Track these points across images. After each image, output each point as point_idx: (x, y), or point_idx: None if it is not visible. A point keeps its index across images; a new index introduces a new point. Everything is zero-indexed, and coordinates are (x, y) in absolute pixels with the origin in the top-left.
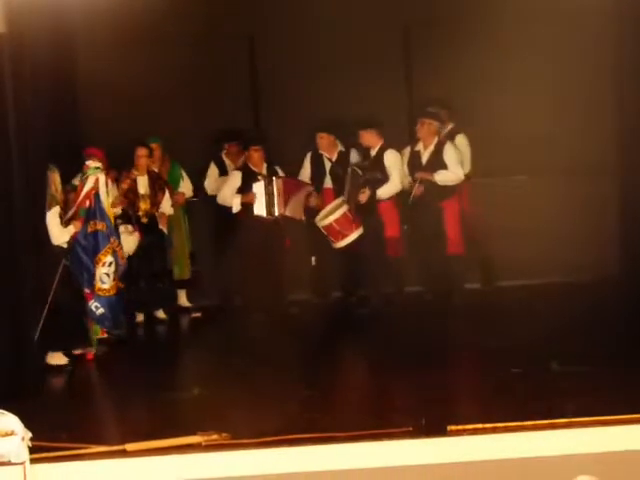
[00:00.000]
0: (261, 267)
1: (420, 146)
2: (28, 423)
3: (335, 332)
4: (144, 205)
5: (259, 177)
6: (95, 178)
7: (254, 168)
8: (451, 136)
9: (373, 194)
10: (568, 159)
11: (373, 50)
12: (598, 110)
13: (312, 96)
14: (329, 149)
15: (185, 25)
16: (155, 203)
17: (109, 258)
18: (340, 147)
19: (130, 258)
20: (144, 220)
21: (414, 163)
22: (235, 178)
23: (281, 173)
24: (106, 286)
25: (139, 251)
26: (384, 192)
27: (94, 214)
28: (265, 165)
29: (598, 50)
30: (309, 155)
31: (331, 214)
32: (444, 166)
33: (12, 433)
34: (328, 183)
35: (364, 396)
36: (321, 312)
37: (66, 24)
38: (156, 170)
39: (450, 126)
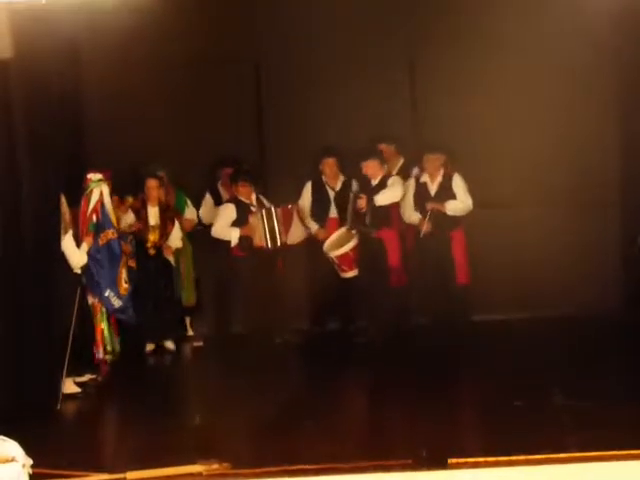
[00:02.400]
0: (260, 296)
1: (426, 178)
2: (29, 450)
3: (336, 362)
4: (153, 237)
5: (252, 208)
6: (99, 190)
7: (245, 200)
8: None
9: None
10: (571, 191)
11: (379, 79)
12: (601, 143)
13: (317, 124)
14: (334, 177)
15: (190, 52)
16: (164, 234)
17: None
18: (342, 177)
19: (137, 286)
20: (152, 252)
21: (422, 195)
22: (229, 211)
23: (266, 203)
24: (127, 285)
25: (146, 279)
26: (383, 198)
27: (103, 226)
28: (254, 196)
29: (601, 80)
30: (309, 184)
31: (346, 242)
32: (453, 196)
33: (13, 459)
34: (333, 213)
35: (365, 427)
36: (322, 341)
37: (73, 49)
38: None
39: (401, 161)
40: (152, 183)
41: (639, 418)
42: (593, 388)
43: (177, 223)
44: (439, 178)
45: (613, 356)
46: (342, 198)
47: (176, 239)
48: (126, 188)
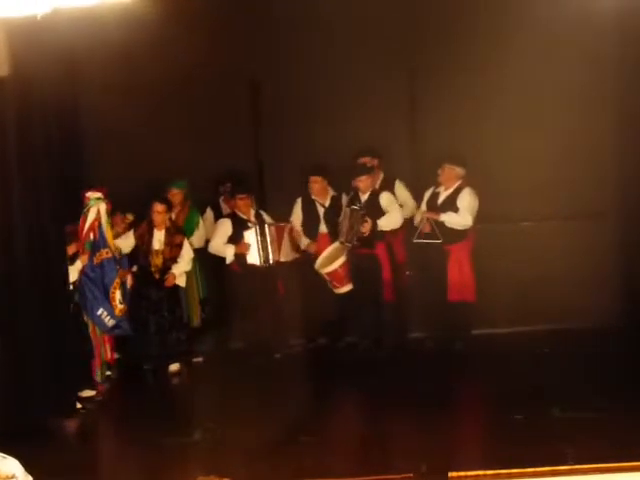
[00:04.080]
0: (258, 312)
1: (442, 188)
2: (29, 467)
3: (335, 377)
4: (157, 260)
5: (249, 224)
6: (96, 209)
7: (242, 215)
8: (387, 185)
9: (374, 227)
10: (571, 205)
11: (376, 94)
12: (600, 156)
13: (315, 140)
14: (322, 194)
15: (188, 68)
16: (170, 259)
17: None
18: (331, 192)
19: (145, 311)
20: (156, 276)
21: (432, 203)
22: (225, 227)
23: (267, 218)
24: (122, 306)
25: (150, 303)
26: (385, 223)
27: (99, 244)
28: (253, 212)
29: (599, 97)
30: (299, 201)
31: (335, 259)
32: (456, 210)
33: (13, 477)
34: (323, 228)
35: (364, 442)
36: (320, 356)
37: (70, 66)
38: (173, 217)
39: (382, 176)
40: (159, 207)
41: (637, 430)
42: (592, 401)
43: (187, 245)
44: (450, 190)
45: (612, 368)
46: (332, 214)
47: (185, 263)
48: (125, 205)
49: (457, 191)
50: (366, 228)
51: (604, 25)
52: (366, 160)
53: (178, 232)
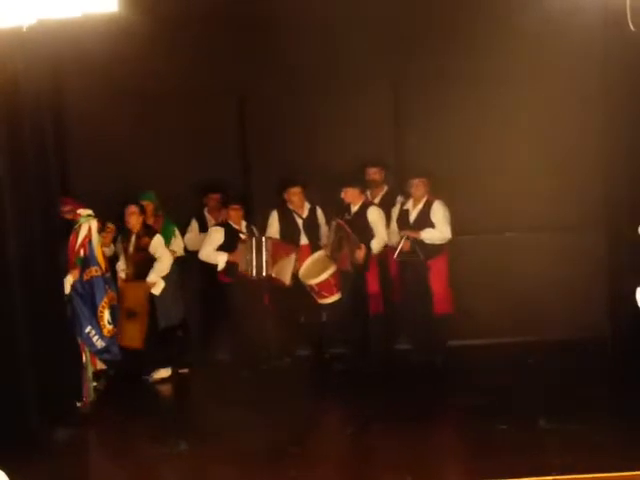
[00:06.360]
0: (245, 323)
1: (409, 204)
2: (15, 478)
3: (320, 389)
4: (129, 266)
5: (242, 235)
6: (88, 226)
7: (234, 225)
8: (390, 198)
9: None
10: (555, 216)
11: (361, 108)
12: (584, 168)
13: (300, 153)
14: (301, 206)
15: (175, 82)
16: (137, 262)
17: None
18: (307, 204)
19: None
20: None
21: (403, 221)
22: (217, 235)
23: (256, 232)
24: (111, 327)
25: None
26: (374, 247)
27: (88, 261)
28: (244, 223)
29: (585, 109)
30: (275, 214)
31: (322, 269)
32: (432, 224)
33: None
34: (304, 240)
35: (350, 454)
36: (307, 368)
37: (55, 76)
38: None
39: (385, 188)
40: (131, 208)
41: (621, 441)
42: (576, 412)
43: (158, 247)
44: (420, 205)
45: (597, 380)
46: (311, 225)
47: (160, 268)
48: (106, 215)
49: (427, 205)
50: (360, 256)
51: (589, 39)
52: (374, 171)
53: (146, 235)
